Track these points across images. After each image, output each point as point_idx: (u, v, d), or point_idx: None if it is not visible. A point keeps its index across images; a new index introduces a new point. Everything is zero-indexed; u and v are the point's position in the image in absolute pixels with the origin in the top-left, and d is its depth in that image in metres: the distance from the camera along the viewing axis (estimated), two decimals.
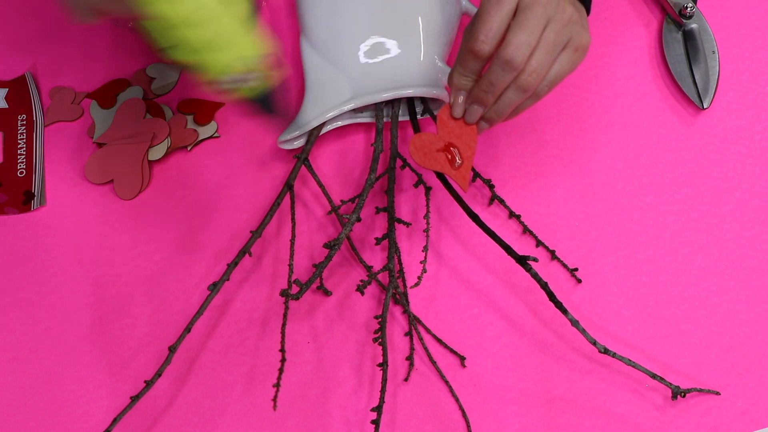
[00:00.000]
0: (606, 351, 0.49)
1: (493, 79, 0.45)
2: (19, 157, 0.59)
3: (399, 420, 0.50)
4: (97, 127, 0.60)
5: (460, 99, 0.47)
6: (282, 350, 0.51)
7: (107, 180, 0.58)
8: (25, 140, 0.60)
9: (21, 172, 0.59)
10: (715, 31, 0.62)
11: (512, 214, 0.56)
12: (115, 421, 0.47)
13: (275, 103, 0.45)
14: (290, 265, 0.53)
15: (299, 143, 0.57)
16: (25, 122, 0.61)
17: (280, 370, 0.51)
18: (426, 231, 0.55)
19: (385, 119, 0.58)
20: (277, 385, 0.51)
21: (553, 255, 0.55)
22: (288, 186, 0.55)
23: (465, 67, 0.46)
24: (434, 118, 0.58)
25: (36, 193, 0.58)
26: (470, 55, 0.45)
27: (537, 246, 0.55)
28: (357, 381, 0.52)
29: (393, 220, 0.54)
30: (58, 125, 0.61)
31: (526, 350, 0.52)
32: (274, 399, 0.51)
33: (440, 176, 0.53)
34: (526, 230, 0.56)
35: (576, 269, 0.54)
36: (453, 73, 0.47)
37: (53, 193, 0.58)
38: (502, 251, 0.52)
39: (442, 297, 0.54)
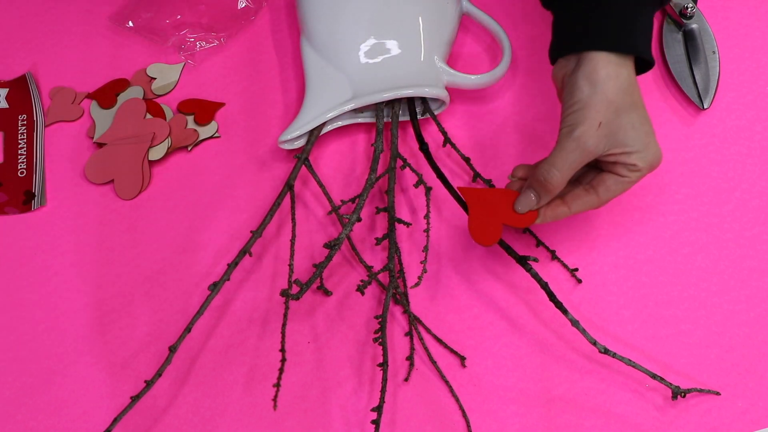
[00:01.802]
0: (606, 351, 0.49)
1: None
2: (19, 157, 0.59)
3: (399, 420, 0.50)
4: (97, 127, 0.60)
5: (531, 197, 0.49)
6: (282, 350, 0.51)
7: (107, 180, 0.58)
8: (25, 140, 0.60)
9: (21, 172, 0.59)
10: (716, 31, 0.62)
11: None
12: (115, 421, 0.47)
13: None
14: (290, 265, 0.53)
15: (299, 143, 0.57)
16: (25, 122, 0.61)
17: (281, 370, 0.50)
18: (426, 231, 0.55)
19: (385, 119, 0.58)
20: (278, 385, 0.51)
21: (553, 255, 0.55)
22: (288, 186, 0.55)
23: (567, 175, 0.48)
24: (434, 118, 0.58)
25: (36, 193, 0.58)
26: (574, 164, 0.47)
27: (537, 246, 0.55)
28: (357, 381, 0.52)
29: (393, 220, 0.54)
30: (58, 125, 0.61)
31: (526, 350, 0.52)
32: (275, 399, 0.51)
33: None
34: (526, 230, 0.56)
35: (576, 269, 0.54)
36: (552, 172, 0.48)
37: (53, 193, 0.58)
38: (502, 251, 0.52)
39: (442, 297, 0.54)
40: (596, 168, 0.50)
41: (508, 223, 0.49)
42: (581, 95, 0.46)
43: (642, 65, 0.49)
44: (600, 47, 0.46)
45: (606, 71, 0.46)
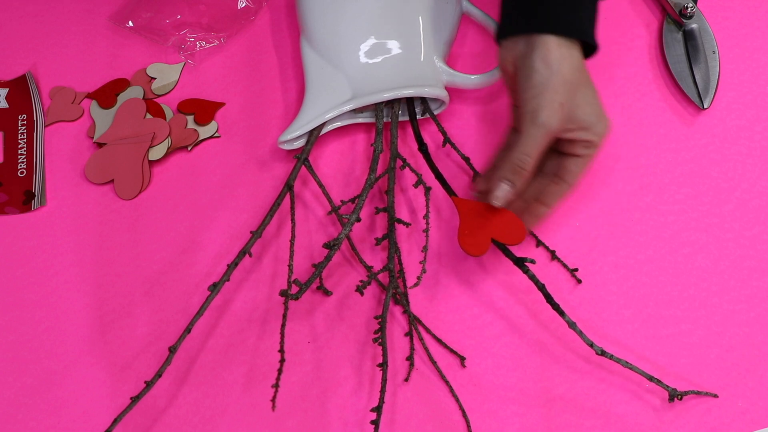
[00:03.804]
0: (603, 353, 0.49)
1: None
2: (19, 157, 0.59)
3: (399, 420, 0.50)
4: (97, 127, 0.60)
5: (505, 187, 0.49)
6: (281, 350, 0.51)
7: (107, 180, 0.58)
8: (25, 140, 0.60)
9: (21, 172, 0.59)
10: (716, 31, 0.62)
11: None
12: (115, 421, 0.47)
13: None
14: (290, 266, 0.53)
15: (299, 143, 0.57)
16: (25, 122, 0.61)
17: (279, 371, 0.50)
18: (426, 231, 0.55)
19: (385, 119, 0.58)
20: (276, 386, 0.51)
21: (553, 255, 0.55)
22: (288, 187, 0.55)
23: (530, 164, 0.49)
24: (434, 117, 0.58)
25: (36, 193, 0.58)
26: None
27: (537, 246, 0.55)
28: (357, 381, 0.52)
29: (393, 221, 0.54)
30: (58, 125, 0.61)
31: (526, 350, 0.52)
32: (273, 400, 0.51)
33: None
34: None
35: (576, 269, 0.54)
36: (521, 159, 0.48)
37: (53, 193, 0.58)
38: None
39: (442, 297, 0.54)
40: (556, 155, 0.52)
41: (497, 239, 0.50)
42: (540, 78, 0.48)
43: (586, 51, 0.51)
44: (551, 30, 0.48)
45: (559, 52, 0.48)
